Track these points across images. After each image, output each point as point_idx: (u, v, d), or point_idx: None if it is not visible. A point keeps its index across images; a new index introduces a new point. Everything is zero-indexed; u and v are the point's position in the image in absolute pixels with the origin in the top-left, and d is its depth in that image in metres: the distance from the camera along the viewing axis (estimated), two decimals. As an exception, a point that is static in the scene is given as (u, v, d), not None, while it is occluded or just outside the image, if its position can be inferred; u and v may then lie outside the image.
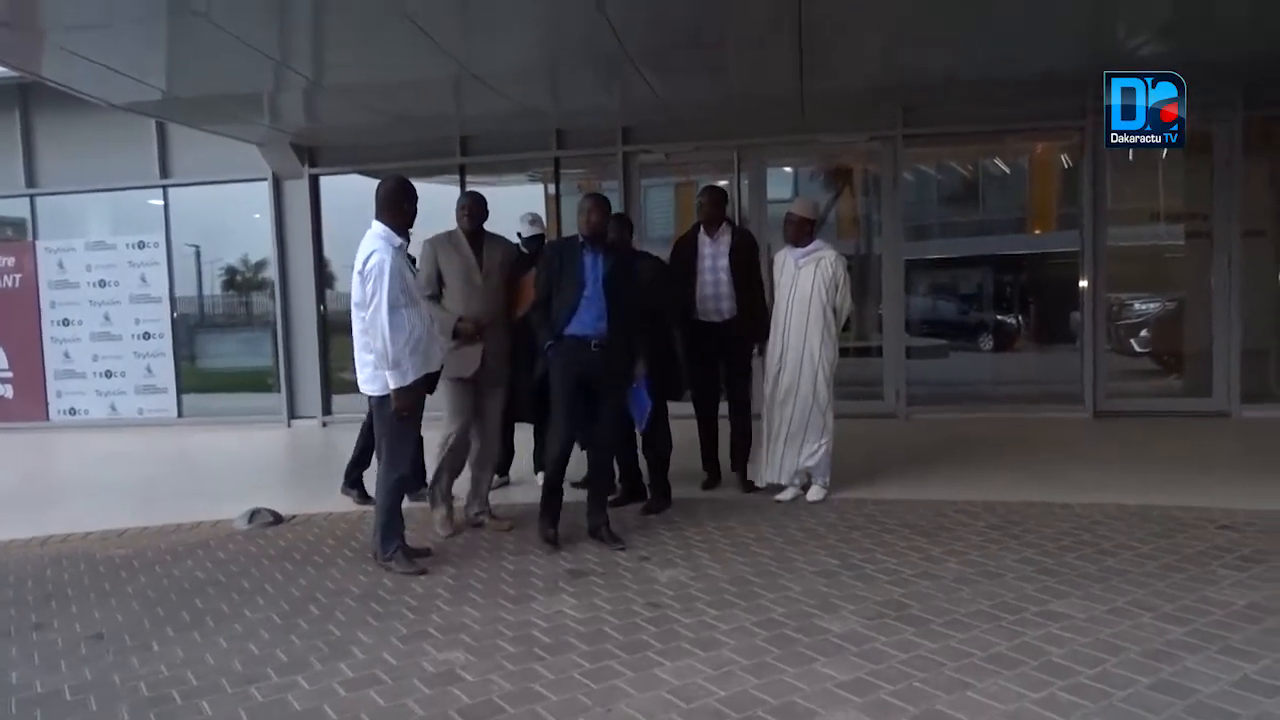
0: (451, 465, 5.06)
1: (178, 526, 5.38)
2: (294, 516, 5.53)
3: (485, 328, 4.87)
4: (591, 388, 4.62)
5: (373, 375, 4.29)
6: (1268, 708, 2.77)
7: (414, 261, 5.44)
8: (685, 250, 5.75)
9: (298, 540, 5.07)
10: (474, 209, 4.98)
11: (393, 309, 4.14)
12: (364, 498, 5.64)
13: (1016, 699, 2.88)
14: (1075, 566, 4.12)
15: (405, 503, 5.03)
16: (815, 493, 5.47)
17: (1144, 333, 9.38)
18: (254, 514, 5.34)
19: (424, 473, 5.45)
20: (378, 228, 4.30)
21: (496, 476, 5.71)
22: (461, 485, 5.23)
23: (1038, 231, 10.12)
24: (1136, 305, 9.41)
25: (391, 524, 4.41)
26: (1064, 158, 9.08)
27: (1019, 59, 6.90)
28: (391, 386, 4.21)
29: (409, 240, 4.42)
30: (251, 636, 3.64)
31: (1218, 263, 8.08)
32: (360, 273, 4.20)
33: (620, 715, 2.87)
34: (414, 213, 4.43)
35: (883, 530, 4.80)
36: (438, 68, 6.50)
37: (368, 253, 4.20)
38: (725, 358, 5.68)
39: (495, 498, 5.45)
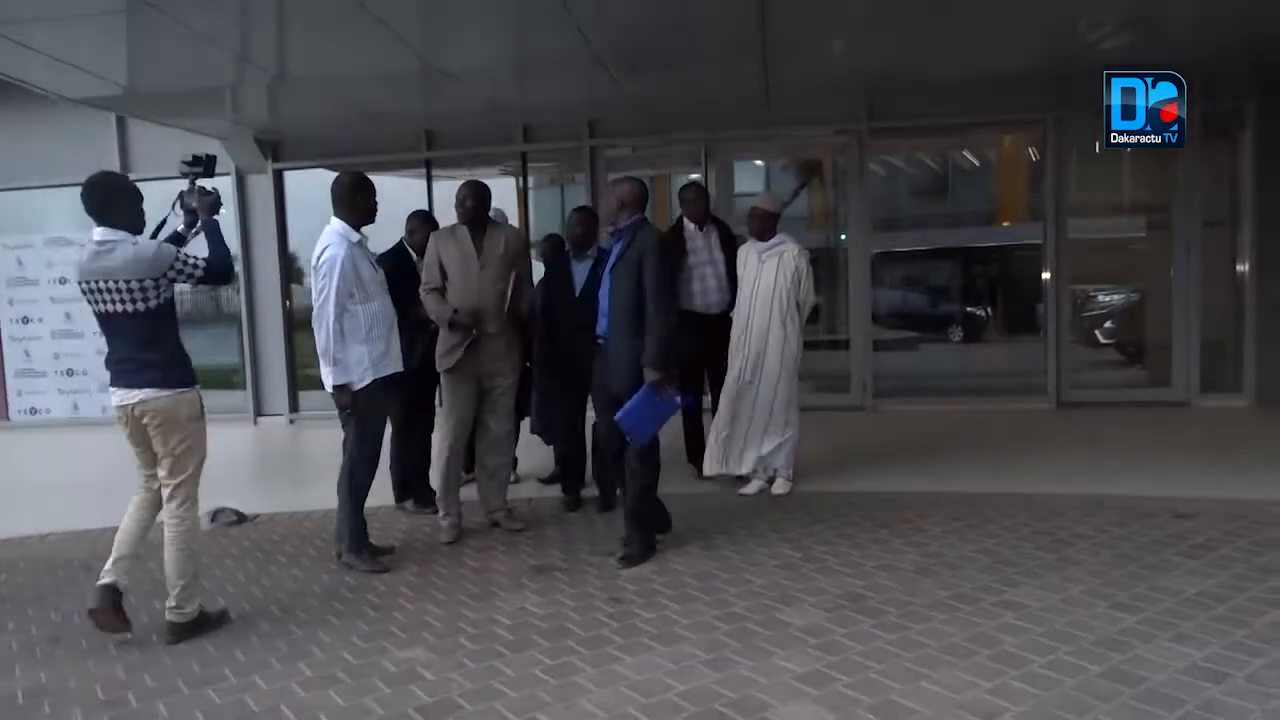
0: (454, 473, 4.93)
1: (139, 527, 5.31)
2: (258, 516, 5.48)
3: (480, 319, 4.74)
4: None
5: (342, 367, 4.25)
6: (1214, 694, 2.84)
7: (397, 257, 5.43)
8: (673, 245, 5.70)
9: (261, 540, 5.03)
10: (467, 200, 4.85)
11: (341, 305, 4.14)
12: (420, 504, 5.45)
13: (970, 688, 2.93)
14: (1033, 556, 4.18)
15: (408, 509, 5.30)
16: (780, 486, 5.51)
17: (1108, 324, 9.52)
18: (217, 513, 5.29)
19: (425, 478, 5.43)
20: (334, 223, 4.31)
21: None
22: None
23: (1003, 224, 10.23)
24: (1101, 297, 9.54)
25: (353, 522, 4.38)
26: (1028, 151, 9.17)
27: (982, 54, 6.97)
28: (330, 383, 4.21)
29: (365, 236, 4.39)
30: (210, 638, 3.61)
31: (1178, 254, 8.20)
32: (314, 267, 4.22)
33: (579, 711, 2.88)
34: (370, 207, 4.39)
35: (846, 523, 4.84)
36: (401, 62, 6.45)
37: (321, 248, 4.22)
38: (714, 351, 5.59)
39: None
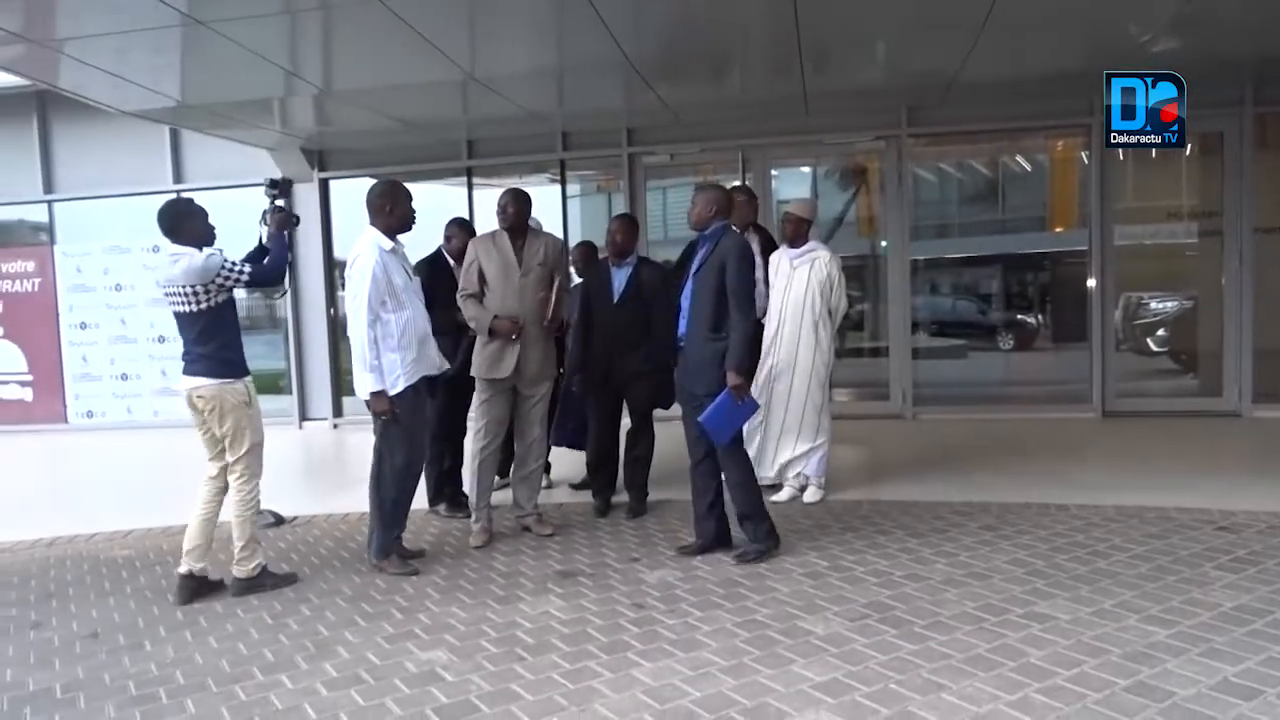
0: (487, 478, 4.99)
1: (182, 528, 5.41)
2: (295, 518, 5.60)
3: (522, 327, 4.79)
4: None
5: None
6: (1244, 711, 2.76)
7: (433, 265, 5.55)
8: None
9: (297, 541, 5.14)
10: (509, 207, 4.88)
11: (374, 312, 4.21)
12: (453, 508, 5.56)
13: (990, 700, 2.88)
14: (1065, 568, 4.10)
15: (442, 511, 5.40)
16: (811, 494, 5.48)
17: (1161, 331, 9.29)
18: (259, 515, 5.40)
19: (458, 483, 5.56)
20: (368, 231, 4.38)
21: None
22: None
23: (1047, 230, 10.03)
24: (1153, 304, 9.31)
25: (385, 527, 4.45)
26: (1075, 156, 9.00)
27: (1025, 57, 6.86)
28: (366, 390, 4.27)
29: (400, 244, 4.44)
30: (242, 636, 3.71)
31: (1229, 261, 7.99)
32: (346, 275, 4.31)
33: (594, 715, 2.90)
34: (406, 214, 4.44)
35: (876, 531, 4.80)
36: (441, 73, 6.55)
37: (353, 256, 4.30)
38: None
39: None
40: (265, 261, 4.40)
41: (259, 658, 3.48)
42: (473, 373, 4.93)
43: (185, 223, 4.19)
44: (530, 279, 4.85)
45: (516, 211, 4.88)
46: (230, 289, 4.20)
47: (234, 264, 4.19)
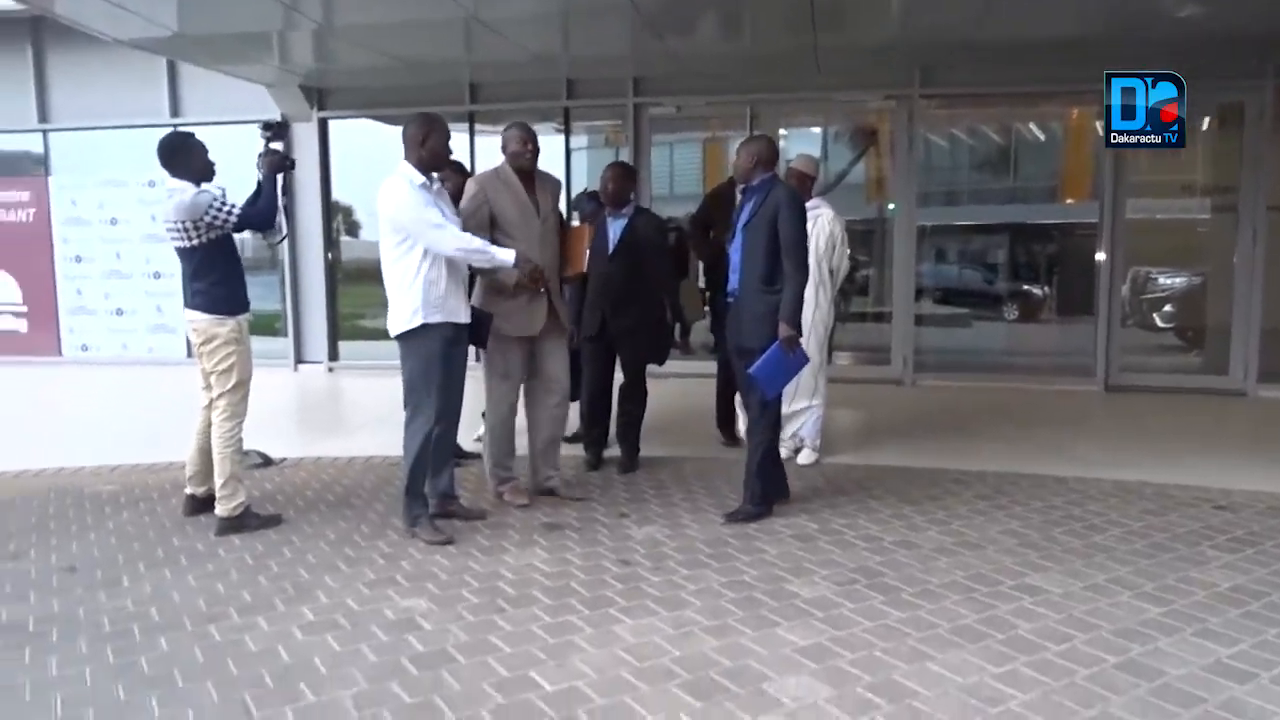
0: (502, 450, 4.65)
1: (169, 465, 5.39)
2: (284, 459, 5.54)
3: (546, 278, 4.44)
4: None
5: (396, 313, 4.05)
6: (1236, 693, 2.70)
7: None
8: (722, 203, 5.55)
9: (284, 483, 5.09)
10: (529, 142, 4.47)
11: (436, 228, 3.96)
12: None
13: (977, 672, 2.83)
14: (1060, 541, 4.04)
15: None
16: (806, 456, 5.41)
17: (1168, 307, 9.17)
18: (243, 455, 5.33)
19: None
20: (400, 166, 4.06)
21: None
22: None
23: (1059, 201, 9.86)
24: (1161, 279, 9.18)
25: (416, 486, 4.13)
26: (1087, 125, 8.80)
27: (1042, 19, 6.63)
28: (503, 258, 4.12)
29: (436, 180, 4.15)
30: (221, 576, 3.66)
31: (1242, 239, 7.84)
32: (388, 219, 4.00)
33: (571, 670, 2.85)
34: (439, 149, 4.08)
35: (869, 496, 4.73)
36: (445, 10, 6.36)
37: (387, 198, 3.99)
38: None
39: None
40: (256, 204, 4.30)
41: (236, 598, 3.42)
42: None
43: (182, 156, 4.16)
44: (548, 225, 4.54)
45: (537, 150, 4.50)
46: (220, 228, 4.11)
47: (224, 203, 4.12)
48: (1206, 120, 8.61)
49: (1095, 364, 8.09)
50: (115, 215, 9.72)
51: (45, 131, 9.91)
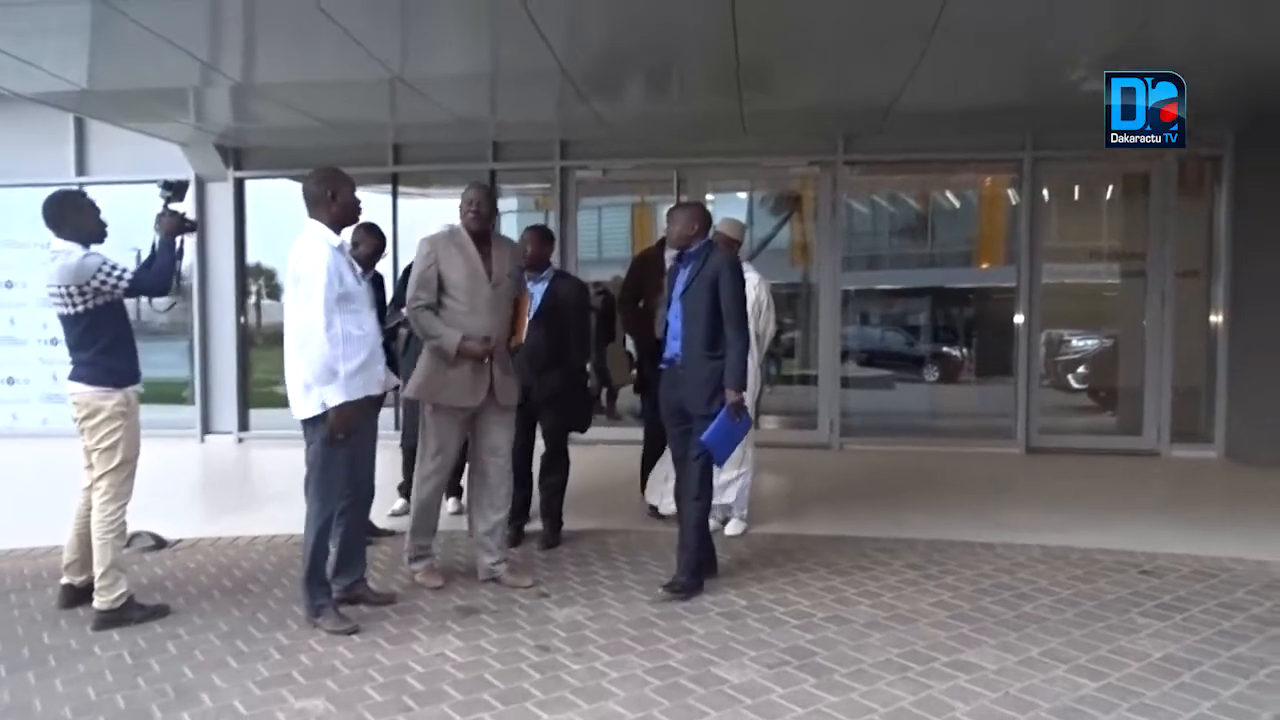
0: (435, 515, 4.40)
1: (49, 550, 4.94)
2: (179, 541, 5.15)
3: (495, 347, 4.22)
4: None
5: (304, 394, 3.73)
6: (1177, 776, 2.60)
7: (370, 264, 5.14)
8: (651, 268, 5.48)
9: (175, 568, 4.71)
10: (483, 205, 4.28)
11: (330, 314, 3.65)
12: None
13: (914, 763, 2.68)
14: (991, 612, 3.95)
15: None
16: (734, 527, 5.26)
17: (1081, 369, 9.39)
18: (133, 537, 4.90)
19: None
20: (311, 226, 3.81)
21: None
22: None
23: (980, 265, 10.10)
24: (1075, 342, 9.42)
25: (317, 574, 3.82)
26: (1007, 192, 9.06)
27: (962, 88, 6.82)
28: (332, 401, 3.65)
29: (345, 241, 3.95)
30: (94, 679, 3.30)
31: (1151, 302, 8.09)
32: (293, 274, 3.73)
33: (481, 778, 2.60)
34: (349, 203, 3.85)
35: (798, 569, 4.60)
36: (366, 71, 6.23)
37: (299, 254, 3.73)
38: None
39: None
40: (150, 268, 3.97)
41: (108, 705, 3.08)
42: (420, 396, 4.28)
43: (70, 215, 3.88)
44: (500, 291, 4.27)
45: (487, 212, 4.29)
46: (109, 294, 3.81)
47: (113, 267, 3.80)
48: (1113, 188, 8.96)
49: (1015, 426, 8.19)
50: (10, 278, 9.20)
51: (-62, 190, 9.38)
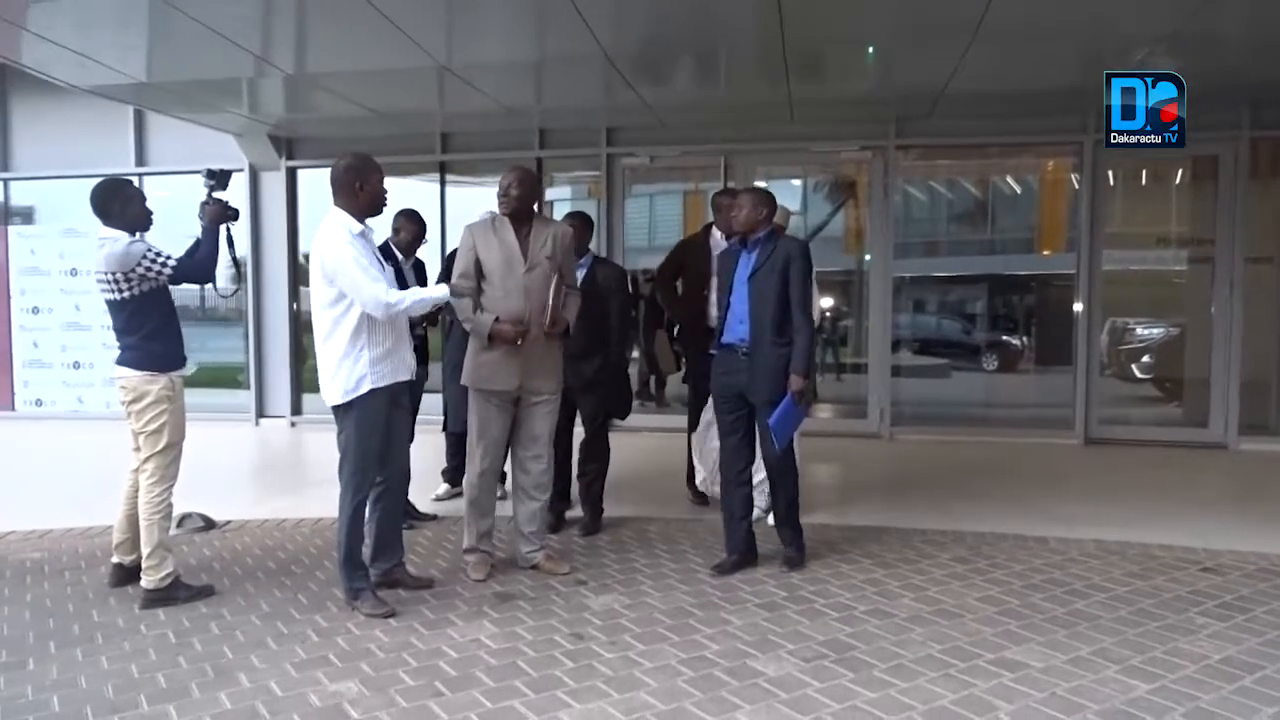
0: (480, 512, 4.31)
1: (104, 529, 5.07)
2: (228, 522, 5.25)
3: (527, 331, 4.14)
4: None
5: (333, 379, 3.80)
6: (1232, 785, 2.47)
7: (394, 250, 5.18)
8: (695, 254, 5.40)
9: (223, 549, 4.80)
10: (511, 188, 4.19)
11: (373, 281, 3.67)
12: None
13: (952, 764, 2.59)
14: (1041, 609, 3.82)
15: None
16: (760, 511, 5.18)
17: (1146, 358, 9.07)
18: (184, 519, 5.05)
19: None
20: (333, 214, 3.79)
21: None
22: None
23: (1041, 252, 9.81)
24: (1139, 330, 9.10)
25: (353, 558, 3.83)
26: (1067, 177, 8.77)
27: (1016, 71, 6.60)
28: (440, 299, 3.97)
29: (369, 228, 3.90)
30: (138, 656, 3.37)
31: (1219, 290, 7.76)
32: (324, 272, 3.72)
33: (508, 766, 2.59)
34: (376, 193, 3.83)
35: (842, 560, 4.50)
36: (414, 61, 6.25)
37: (322, 250, 3.71)
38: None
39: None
40: (194, 256, 4.03)
41: (150, 683, 3.13)
42: (465, 382, 4.27)
43: (116, 204, 3.95)
44: (536, 274, 4.16)
45: (521, 194, 4.20)
46: (154, 280, 3.89)
47: (157, 254, 3.88)
48: (1181, 172, 8.61)
49: (1074, 416, 7.94)
50: (75, 266, 9.48)
51: (6, 180, 9.72)
